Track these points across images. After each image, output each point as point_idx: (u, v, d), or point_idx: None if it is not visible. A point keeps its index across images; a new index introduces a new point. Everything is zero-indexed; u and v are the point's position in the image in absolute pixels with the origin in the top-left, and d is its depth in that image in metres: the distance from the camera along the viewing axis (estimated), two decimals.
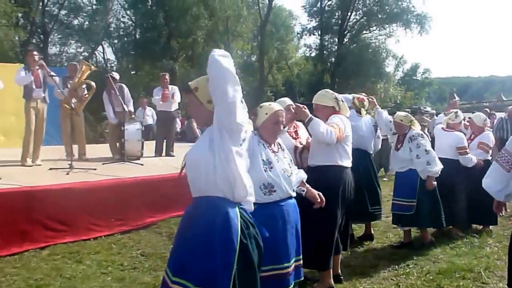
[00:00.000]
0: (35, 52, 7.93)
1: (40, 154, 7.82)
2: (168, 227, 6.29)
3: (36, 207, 5.28)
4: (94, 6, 32.44)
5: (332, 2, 34.35)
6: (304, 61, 40.01)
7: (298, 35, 37.44)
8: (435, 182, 5.47)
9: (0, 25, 22.21)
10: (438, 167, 5.42)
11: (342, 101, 4.41)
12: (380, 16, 32.85)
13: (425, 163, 5.37)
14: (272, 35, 36.13)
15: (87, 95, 8.38)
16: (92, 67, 8.68)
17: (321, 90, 4.58)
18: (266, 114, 3.31)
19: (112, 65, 32.78)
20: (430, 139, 10.19)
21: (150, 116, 14.10)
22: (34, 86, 7.58)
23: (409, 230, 5.75)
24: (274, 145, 3.33)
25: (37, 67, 7.60)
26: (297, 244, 3.32)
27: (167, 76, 9.82)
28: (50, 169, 7.07)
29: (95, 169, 7.08)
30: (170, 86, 9.69)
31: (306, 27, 35.33)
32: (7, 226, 5.03)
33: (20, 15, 26.94)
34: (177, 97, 9.63)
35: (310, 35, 35.67)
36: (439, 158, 5.56)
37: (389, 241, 5.94)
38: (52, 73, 7.68)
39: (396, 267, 4.91)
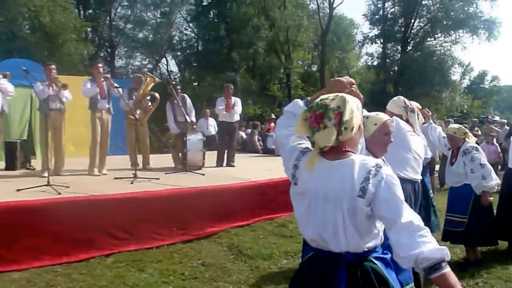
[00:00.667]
0: (100, 65, 8.26)
1: (106, 163, 8.08)
2: (229, 238, 6.28)
3: (101, 215, 5.41)
4: (158, 20, 33.39)
5: (394, 9, 33.58)
6: (365, 70, 39.43)
7: (360, 44, 36.89)
8: (491, 198, 5.19)
9: (70, 40, 23.01)
10: (494, 182, 5.09)
11: (413, 110, 4.18)
12: (445, 22, 31.59)
13: (480, 177, 5.06)
14: (333, 44, 35.92)
15: (151, 106, 8.59)
16: (156, 79, 8.87)
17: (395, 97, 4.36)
18: (375, 124, 3.10)
19: (175, 76, 33.55)
20: (501, 150, 9.72)
21: (212, 127, 14.27)
22: (99, 97, 7.86)
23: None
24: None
25: (102, 79, 7.89)
26: None
27: (231, 87, 9.88)
28: (115, 178, 7.28)
29: (158, 179, 7.21)
30: (232, 98, 9.76)
31: (368, 36, 34.58)
32: (75, 233, 5.18)
33: (89, 29, 28.07)
34: (239, 108, 9.71)
35: (372, 43, 34.80)
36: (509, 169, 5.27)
37: (456, 257, 5.68)
38: (116, 85, 7.94)
39: (465, 285, 4.66)
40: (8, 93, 7.23)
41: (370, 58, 37.16)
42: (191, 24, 32.88)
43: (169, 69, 35.97)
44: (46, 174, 6.94)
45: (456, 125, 5.64)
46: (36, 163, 8.69)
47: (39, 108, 7.82)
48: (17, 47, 21.05)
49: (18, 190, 5.71)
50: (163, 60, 35.04)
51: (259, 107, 29.07)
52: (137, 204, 5.74)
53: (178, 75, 34.06)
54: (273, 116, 16.53)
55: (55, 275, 4.72)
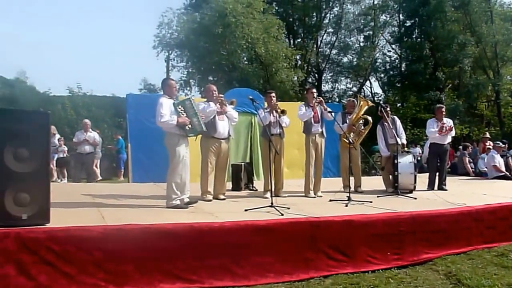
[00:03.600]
0: (313, 90, 8.50)
1: (320, 186, 8.22)
2: (445, 265, 5.82)
3: (320, 237, 5.44)
4: (361, 44, 33.59)
5: None
6: None
7: None
8: None
9: (282, 68, 24.32)
10: None
11: None
12: None
13: None
14: None
15: (363, 130, 8.57)
16: (370, 102, 8.83)
17: None
18: None
19: (379, 98, 33.26)
20: None
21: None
22: (313, 122, 8.04)
23: None
24: None
25: (316, 104, 8.07)
26: None
27: (443, 109, 9.36)
28: (330, 200, 7.35)
29: (371, 202, 7.09)
30: (445, 119, 9.24)
31: None
32: (294, 253, 5.28)
33: (298, 57, 29.28)
34: (453, 131, 9.15)
35: None
36: None
37: None
38: (329, 109, 8.08)
39: None
40: (233, 119, 7.75)
41: None
42: (394, 46, 32.40)
43: (373, 91, 35.80)
44: (268, 195, 7.38)
45: None
46: (257, 184, 9.23)
47: (262, 134, 8.25)
48: (236, 77, 23.16)
49: (245, 210, 6.08)
50: (367, 83, 35.01)
51: (466, 127, 27.16)
52: (353, 227, 5.66)
53: (382, 96, 33.68)
54: (488, 135, 15.19)
55: None
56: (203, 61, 24.05)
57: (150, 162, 10.30)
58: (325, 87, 34.83)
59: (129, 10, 65.64)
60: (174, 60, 28.17)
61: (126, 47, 63.51)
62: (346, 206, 6.77)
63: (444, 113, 9.27)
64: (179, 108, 6.48)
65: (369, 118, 8.64)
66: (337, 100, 32.59)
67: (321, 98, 8.40)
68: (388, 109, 8.87)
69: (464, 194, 8.45)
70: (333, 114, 8.12)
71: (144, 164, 10.57)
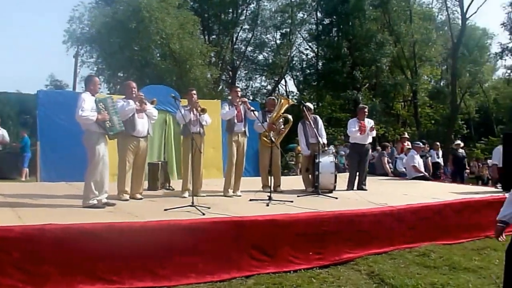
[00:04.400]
0: (238, 89, 8.92)
1: (240, 185, 8.53)
2: (367, 265, 6.19)
3: (243, 237, 5.68)
4: (278, 41, 34.80)
5: None
6: (503, 84, 37.22)
7: (498, 56, 34.48)
8: None
9: (197, 65, 24.83)
10: None
11: None
12: None
13: None
14: (464, 58, 34.49)
15: (283, 129, 8.97)
16: (290, 101, 9.26)
17: None
18: None
19: (295, 97, 34.22)
20: None
21: None
22: (236, 121, 8.35)
23: None
24: None
25: (240, 103, 8.40)
26: None
27: (366, 109, 9.92)
28: (251, 200, 7.63)
29: (292, 201, 7.41)
30: (367, 119, 9.81)
31: (507, 47, 32.18)
32: (217, 253, 5.48)
33: (213, 54, 29.78)
34: (374, 132, 9.80)
35: None
36: None
37: None
38: (253, 108, 8.42)
39: None
40: (153, 117, 7.96)
41: (509, 71, 34.17)
42: (311, 44, 33.55)
43: (288, 90, 36.87)
44: (186, 195, 7.75)
45: None
46: (175, 184, 9.42)
47: (182, 132, 8.46)
48: (149, 73, 23.50)
49: (165, 209, 6.24)
50: (283, 81, 36.11)
51: (382, 127, 28.72)
52: (277, 227, 5.93)
53: (297, 95, 34.67)
54: (406, 136, 16.22)
55: None
56: (114, 56, 24.09)
57: (61, 160, 10.28)
58: (240, 84, 35.62)
59: (37, 3, 62.84)
60: (83, 55, 28.24)
61: (33, 42, 60.77)
62: (267, 205, 7.06)
63: (366, 113, 9.85)
64: (100, 105, 6.65)
65: (289, 116, 9.03)
66: (251, 98, 33.23)
67: (245, 98, 8.76)
68: (311, 106, 9.31)
69: (384, 194, 8.98)
70: (256, 113, 8.45)
71: (54, 163, 10.54)
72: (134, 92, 7.66)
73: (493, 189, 9.71)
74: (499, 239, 4.04)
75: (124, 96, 7.76)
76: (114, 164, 7.48)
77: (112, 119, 6.75)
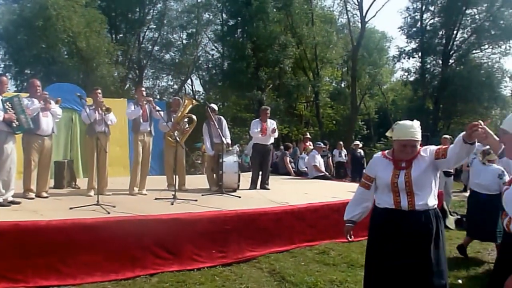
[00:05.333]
0: (143, 88, 9.10)
1: (146, 184, 8.65)
2: (269, 263, 6.40)
3: (147, 235, 5.80)
4: (184, 41, 34.93)
5: (434, 20, 32.89)
6: (401, 86, 39.05)
7: (396, 59, 36.13)
8: None
9: (103, 63, 25.15)
10: None
11: None
12: (493, 32, 30.31)
13: None
14: (364, 60, 35.98)
15: (188, 128, 9.15)
16: (194, 101, 9.45)
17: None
18: None
19: (201, 96, 34.47)
20: None
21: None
22: (141, 120, 8.48)
23: None
24: None
25: (145, 102, 8.54)
26: None
27: (268, 111, 10.21)
28: (156, 198, 7.77)
29: (196, 200, 7.58)
30: (269, 120, 10.13)
31: (404, 50, 33.91)
32: (121, 251, 5.59)
33: (119, 53, 29.82)
34: (276, 133, 10.13)
35: (408, 58, 34.09)
36: None
37: None
38: (158, 108, 8.60)
39: None
40: (57, 115, 7.89)
41: (406, 73, 35.98)
42: (216, 44, 33.88)
43: (194, 89, 36.94)
44: (91, 193, 7.88)
45: None
46: (80, 182, 9.41)
47: (87, 131, 8.48)
48: (56, 71, 23.38)
49: (70, 208, 6.32)
50: (189, 80, 36.19)
51: (285, 127, 29.48)
52: (179, 225, 6.08)
53: (203, 95, 34.84)
54: (308, 136, 16.83)
55: None
56: (21, 53, 24.11)
57: None
58: (146, 83, 35.54)
59: None
60: None
61: None
62: (172, 204, 7.22)
63: (268, 114, 10.16)
64: (7, 105, 6.68)
65: (194, 116, 9.21)
66: (158, 97, 32.99)
67: (150, 98, 8.85)
68: (215, 107, 9.53)
69: (286, 193, 9.26)
70: (161, 112, 8.57)
71: None
72: (38, 90, 7.61)
73: None
74: (348, 238, 4.20)
75: (28, 95, 7.66)
76: (20, 161, 7.42)
77: (19, 118, 6.79)
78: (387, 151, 3.99)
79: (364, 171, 3.64)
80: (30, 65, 25.28)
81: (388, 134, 3.87)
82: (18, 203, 6.79)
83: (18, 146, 7.33)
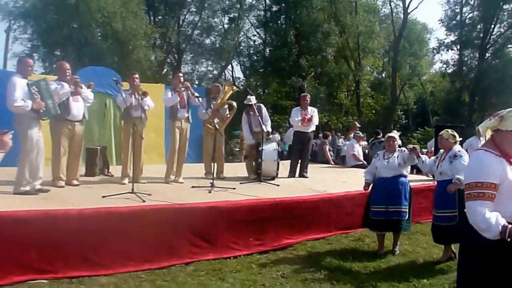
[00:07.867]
0: (180, 74, 8.66)
1: (182, 172, 8.37)
2: (305, 250, 6.36)
3: (183, 224, 5.63)
4: (225, 26, 34.31)
5: (473, 14, 32.70)
6: (439, 78, 38.54)
7: (435, 51, 35.93)
8: None
9: (140, 46, 23.90)
10: None
11: None
12: None
13: None
14: (405, 50, 35.43)
15: (228, 115, 8.88)
16: (235, 87, 9.17)
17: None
18: None
19: (241, 83, 34.14)
20: None
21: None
22: (179, 107, 8.14)
23: None
24: None
25: (183, 88, 8.21)
26: None
27: (307, 97, 9.87)
28: (193, 187, 7.53)
29: (234, 188, 7.39)
30: (309, 108, 9.79)
31: (444, 42, 33.77)
32: (158, 240, 5.42)
33: (157, 35, 28.88)
34: (316, 120, 9.77)
35: (447, 50, 34.06)
36: None
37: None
38: (197, 94, 8.26)
39: None
40: (89, 100, 7.53)
41: (444, 65, 36.21)
42: (259, 30, 33.36)
43: (234, 76, 36.64)
44: (125, 181, 7.54)
45: None
46: (113, 169, 9.10)
47: (122, 116, 8.21)
48: (89, 53, 22.24)
49: (103, 196, 6.01)
50: (229, 66, 35.78)
51: (325, 115, 29.04)
52: (217, 214, 5.92)
53: (244, 81, 34.54)
54: (357, 124, 16.38)
55: (141, 281, 4.93)
56: (51, 34, 22.89)
57: None
58: (185, 68, 35.10)
59: None
60: (16, 31, 26.73)
61: None
62: (210, 192, 7.01)
63: (307, 102, 9.78)
64: (33, 89, 6.23)
65: (234, 103, 8.96)
66: (197, 83, 32.82)
67: (187, 83, 8.55)
68: (252, 102, 9.20)
69: (324, 181, 9.07)
70: (200, 99, 8.32)
71: None
72: (68, 73, 7.18)
73: (425, 177, 9.98)
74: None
75: (56, 77, 7.24)
76: (48, 148, 7.04)
77: (46, 104, 6.36)
78: (484, 146, 3.00)
79: (479, 179, 2.62)
80: (60, 46, 24.22)
81: (491, 125, 2.96)
82: (47, 191, 6.43)
83: (46, 131, 6.97)
